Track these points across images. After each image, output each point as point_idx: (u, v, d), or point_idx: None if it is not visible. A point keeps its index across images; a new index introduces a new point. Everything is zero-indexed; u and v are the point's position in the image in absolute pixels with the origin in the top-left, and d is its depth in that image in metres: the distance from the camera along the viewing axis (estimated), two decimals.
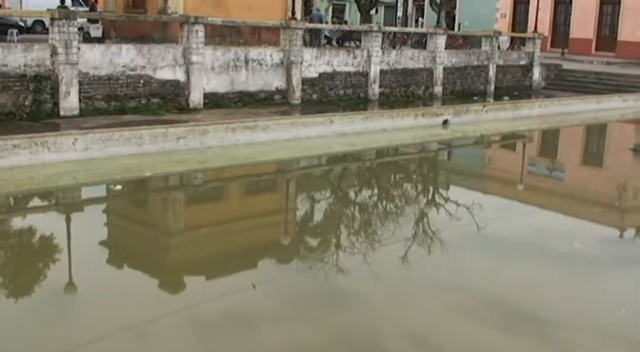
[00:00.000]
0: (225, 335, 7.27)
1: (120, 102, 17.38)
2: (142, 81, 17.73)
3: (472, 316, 7.92)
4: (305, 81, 21.11)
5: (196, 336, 7.30)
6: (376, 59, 22.85)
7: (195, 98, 18.60)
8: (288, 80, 20.73)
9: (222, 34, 22.65)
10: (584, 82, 30.91)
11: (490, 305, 8.24)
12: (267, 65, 20.30)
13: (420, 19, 50.76)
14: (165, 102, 18.18)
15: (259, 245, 10.76)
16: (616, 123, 26.32)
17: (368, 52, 22.77)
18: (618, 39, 39.71)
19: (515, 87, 28.74)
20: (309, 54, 21.31)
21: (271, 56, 20.41)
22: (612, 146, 22.88)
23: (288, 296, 8.37)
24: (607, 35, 40.69)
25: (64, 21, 16.15)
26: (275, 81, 20.57)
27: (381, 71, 23.13)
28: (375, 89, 22.97)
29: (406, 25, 47.16)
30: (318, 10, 32.83)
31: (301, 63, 20.86)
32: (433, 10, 40.05)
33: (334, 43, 27.88)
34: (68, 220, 11.52)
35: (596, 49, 40.47)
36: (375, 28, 23.50)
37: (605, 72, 32.60)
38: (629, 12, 39.01)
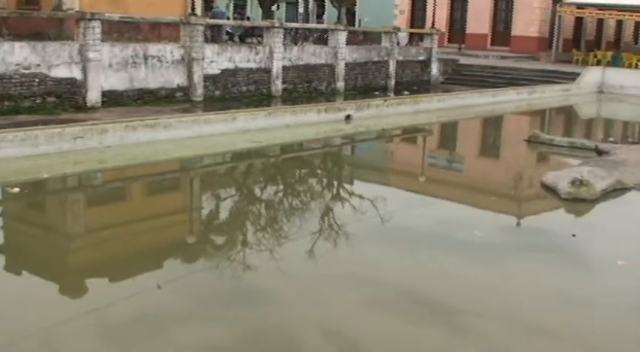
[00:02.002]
0: (132, 337, 7.12)
1: (14, 102, 16.73)
2: (36, 79, 17.13)
3: (383, 308, 8.01)
4: (207, 77, 20.91)
5: (102, 340, 7.12)
6: (278, 55, 22.88)
7: (93, 96, 18.12)
8: (190, 77, 20.48)
9: (120, 31, 22.10)
10: (480, 76, 31.97)
11: (400, 296, 8.38)
12: (167, 62, 19.99)
13: (322, 14, 51.10)
14: (62, 101, 17.63)
15: (164, 245, 10.59)
16: (511, 115, 27.33)
17: (270, 48, 22.76)
18: (512, 34, 41.14)
19: (414, 82, 29.38)
20: (210, 50, 21.11)
21: (172, 52, 20.10)
22: (508, 137, 23.74)
23: (196, 296, 8.27)
24: (501, 30, 42.08)
25: None
26: (176, 78, 20.28)
27: (284, 67, 23.19)
28: (277, 85, 23.00)
29: (307, 22, 47.43)
30: (218, 7, 32.57)
31: (203, 59, 20.65)
32: (334, 6, 40.39)
33: (236, 39, 27.72)
34: None
35: (492, 44, 41.83)
36: (277, 25, 23.52)
37: (500, 66, 33.82)
38: (522, 8, 40.45)
